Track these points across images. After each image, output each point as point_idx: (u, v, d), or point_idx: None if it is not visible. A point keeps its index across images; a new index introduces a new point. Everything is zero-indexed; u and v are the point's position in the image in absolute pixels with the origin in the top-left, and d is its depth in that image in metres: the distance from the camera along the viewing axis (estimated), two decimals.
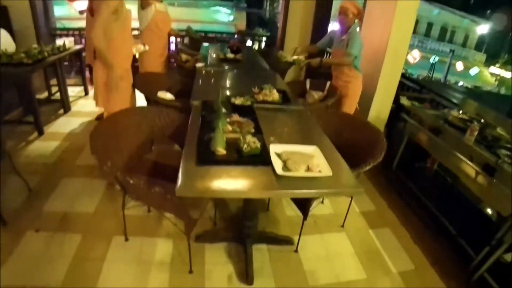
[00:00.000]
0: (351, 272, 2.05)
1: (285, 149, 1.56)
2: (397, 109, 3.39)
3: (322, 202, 2.65)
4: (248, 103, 2.09)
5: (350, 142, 2.19)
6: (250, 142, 1.52)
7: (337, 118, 2.41)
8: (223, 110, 1.97)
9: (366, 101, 3.30)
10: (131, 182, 1.49)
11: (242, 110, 1.95)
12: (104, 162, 1.52)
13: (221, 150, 1.50)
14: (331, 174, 1.39)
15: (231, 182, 1.36)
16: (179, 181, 1.31)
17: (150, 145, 2.15)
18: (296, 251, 2.14)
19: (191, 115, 1.97)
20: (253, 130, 1.76)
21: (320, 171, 1.42)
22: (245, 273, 1.92)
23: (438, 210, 2.49)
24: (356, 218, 2.57)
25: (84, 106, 4.23)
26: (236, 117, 1.85)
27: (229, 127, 1.73)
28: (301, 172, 1.40)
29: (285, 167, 1.44)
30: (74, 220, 2.22)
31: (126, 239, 2.09)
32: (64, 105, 3.89)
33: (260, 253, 2.10)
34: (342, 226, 2.44)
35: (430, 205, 2.55)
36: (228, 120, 1.82)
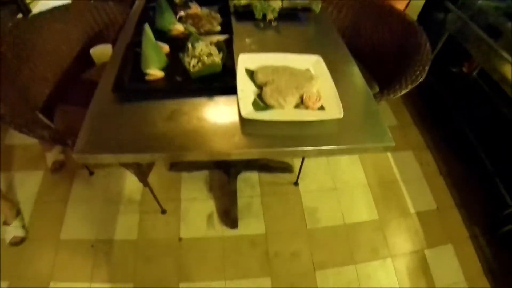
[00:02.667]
0: (360, 210, 1.57)
1: (265, 63, 0.86)
2: None
3: None
4: None
5: (371, 42, 1.40)
6: (203, 54, 0.82)
7: (352, 2, 1.49)
8: None
9: None
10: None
11: None
12: None
13: (154, 72, 0.83)
14: (341, 115, 0.73)
15: (162, 132, 0.73)
16: (79, 137, 0.72)
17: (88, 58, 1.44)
18: (296, 183, 1.64)
19: (131, 9, 1.21)
20: (218, 28, 1.02)
21: (322, 107, 0.76)
22: (228, 213, 1.48)
23: (473, 134, 1.80)
24: None
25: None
26: (195, 8, 1.08)
27: (179, 27, 1.00)
28: (287, 111, 0.74)
29: (259, 99, 0.77)
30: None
31: (91, 173, 1.64)
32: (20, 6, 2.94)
33: (249, 184, 1.62)
34: None
35: (464, 126, 1.86)
36: (182, 13, 1.07)
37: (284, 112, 0.74)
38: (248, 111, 0.71)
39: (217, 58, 0.82)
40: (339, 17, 1.47)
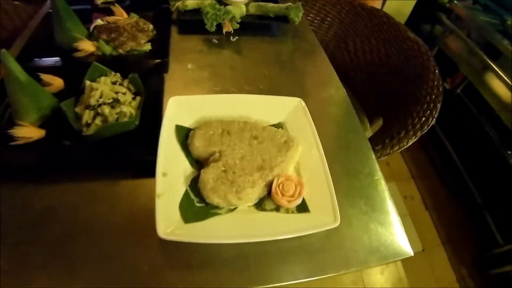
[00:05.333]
0: None
1: (211, 113, 0.50)
2: (426, 3, 2.03)
3: None
4: None
5: (361, 60, 1.07)
6: (104, 100, 0.46)
7: (339, 8, 1.11)
8: None
9: None
10: None
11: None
12: None
13: (25, 133, 0.46)
14: (336, 223, 0.39)
15: (17, 254, 0.38)
16: None
17: None
18: None
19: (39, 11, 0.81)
20: (147, 47, 0.66)
21: (303, 205, 0.42)
22: None
23: (460, 160, 1.56)
24: None
25: None
26: (118, 12, 0.70)
27: (89, 45, 0.62)
28: (241, 217, 0.40)
29: (194, 193, 0.42)
30: None
31: None
32: None
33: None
34: None
35: (450, 151, 1.61)
36: (99, 21, 0.69)
37: (235, 219, 0.39)
38: (169, 226, 0.36)
39: (128, 108, 0.46)
40: (321, 26, 1.14)
